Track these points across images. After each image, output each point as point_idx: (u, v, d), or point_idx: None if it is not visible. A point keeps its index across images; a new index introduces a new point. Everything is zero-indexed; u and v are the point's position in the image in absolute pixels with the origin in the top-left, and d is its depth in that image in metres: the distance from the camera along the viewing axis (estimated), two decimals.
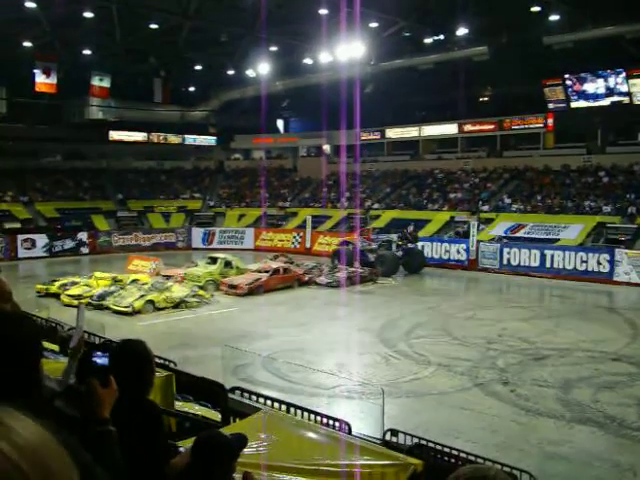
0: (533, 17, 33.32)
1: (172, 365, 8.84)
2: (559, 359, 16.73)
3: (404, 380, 14.86)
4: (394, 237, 33.31)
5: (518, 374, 15.27)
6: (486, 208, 39.24)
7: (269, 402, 7.55)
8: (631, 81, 37.83)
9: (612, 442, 11.44)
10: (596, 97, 39.36)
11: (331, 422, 7.24)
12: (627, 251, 30.02)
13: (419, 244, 34.23)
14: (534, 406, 13.03)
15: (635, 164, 38.16)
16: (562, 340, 18.87)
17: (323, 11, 31.88)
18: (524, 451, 10.93)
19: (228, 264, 29.34)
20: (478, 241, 34.12)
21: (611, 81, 38.68)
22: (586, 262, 30.65)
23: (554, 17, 32.87)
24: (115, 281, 25.56)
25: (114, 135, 50.64)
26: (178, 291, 24.13)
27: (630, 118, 39.04)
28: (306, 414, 7.34)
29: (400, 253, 32.62)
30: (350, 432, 6.96)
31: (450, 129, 48.44)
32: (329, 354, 17.48)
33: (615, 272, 29.74)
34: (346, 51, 36.29)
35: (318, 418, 7.28)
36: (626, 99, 38.27)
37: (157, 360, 6.29)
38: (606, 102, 39.06)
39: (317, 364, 15.69)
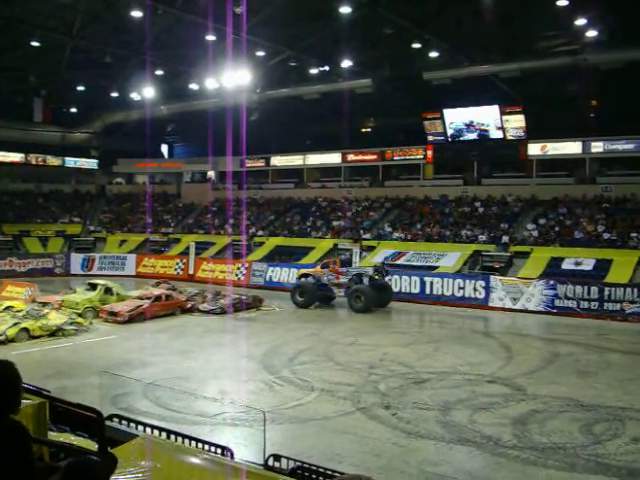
0: (414, 53, 34.64)
1: (45, 392, 8.44)
2: (438, 382, 17.17)
3: (287, 406, 14.82)
4: (370, 270, 31.20)
5: (399, 398, 15.54)
6: (368, 236, 40.08)
7: (149, 430, 7.34)
8: (504, 117, 39.94)
9: (489, 461, 11.81)
10: (472, 131, 41.27)
11: (213, 449, 7.11)
12: (501, 278, 31.38)
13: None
14: (415, 428, 13.29)
15: (508, 195, 40.13)
16: (441, 364, 19.41)
17: (210, 37, 31.88)
18: (405, 473, 11.12)
19: (108, 291, 28.45)
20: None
21: (486, 117, 40.69)
22: (463, 289, 31.79)
23: (434, 54, 34.29)
24: None
25: None
26: (55, 318, 23.13)
27: (503, 152, 41.06)
28: (187, 441, 7.18)
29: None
30: (232, 458, 6.86)
31: (334, 158, 49.37)
32: (212, 382, 17.22)
33: (490, 298, 31.00)
34: (232, 78, 36.43)
35: (200, 445, 7.13)
36: (500, 134, 40.33)
37: (31, 388, 6.01)
38: (481, 136, 41.03)
39: (200, 392, 15.43)
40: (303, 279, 32.14)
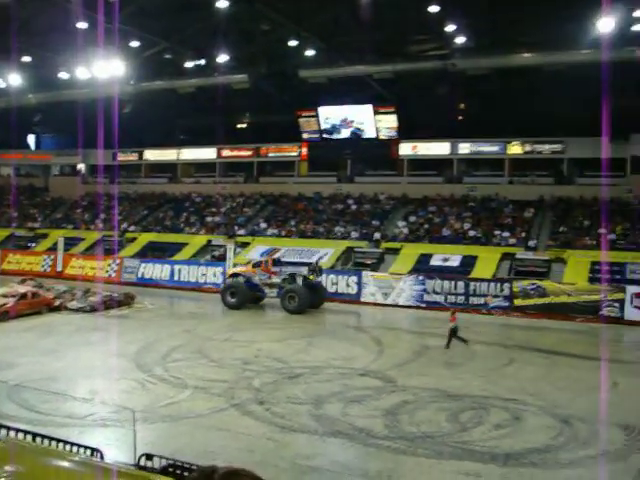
0: (291, 51, 34.75)
1: None
2: (312, 377, 17.39)
3: (160, 405, 14.58)
4: (303, 270, 29.81)
5: (273, 393, 15.63)
6: (242, 232, 40.00)
7: (12, 433, 7.05)
8: (377, 117, 40.94)
9: (361, 452, 12.11)
10: (346, 128, 42.03)
11: (82, 450, 6.92)
12: (373, 274, 32.15)
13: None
14: (288, 423, 13.41)
15: (380, 193, 41.15)
16: (314, 359, 19.67)
17: (82, 25, 30.64)
18: (279, 467, 11.20)
19: None
20: (234, 264, 34.54)
21: (360, 116, 41.53)
22: (336, 284, 32.27)
23: (310, 52, 34.53)
24: None
25: None
26: None
27: (376, 151, 42.10)
28: (54, 443, 6.95)
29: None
30: (103, 459, 6.71)
31: (209, 154, 48.96)
32: (83, 382, 16.65)
33: (362, 293, 31.67)
34: (105, 69, 35.21)
35: (68, 447, 6.92)
36: (373, 133, 41.30)
37: None
38: (355, 135, 41.86)
39: (69, 393, 14.88)
40: (234, 279, 30.67)
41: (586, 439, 12.69)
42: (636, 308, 27.22)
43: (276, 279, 29.87)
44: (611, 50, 26.98)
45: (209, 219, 42.75)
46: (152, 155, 51.16)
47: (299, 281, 29.44)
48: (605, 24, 26.52)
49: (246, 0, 29.27)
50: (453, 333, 21.39)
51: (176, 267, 36.13)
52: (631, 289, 27.56)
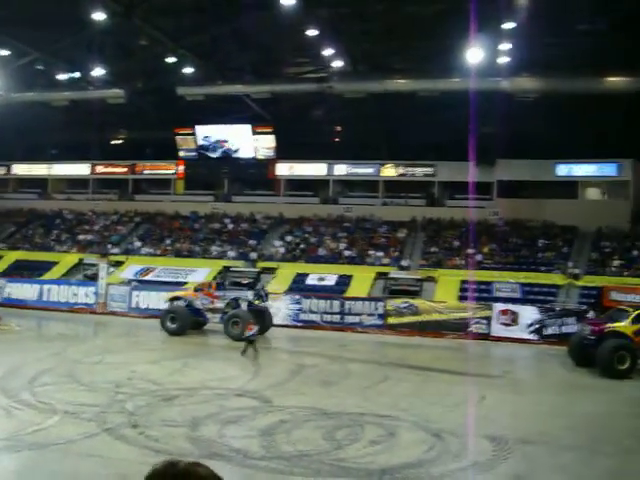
0: (169, 67, 34.37)
1: None
2: (187, 398, 17.05)
3: (27, 432, 13.82)
4: (249, 295, 28.34)
5: (147, 416, 15.20)
6: (116, 251, 39.00)
7: None
8: (255, 137, 41.18)
9: (238, 473, 11.95)
10: (223, 149, 41.97)
11: None
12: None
13: None
14: (164, 446, 13.07)
15: (257, 213, 41.27)
16: (190, 380, 19.33)
17: None
18: None
19: None
20: (108, 284, 33.57)
21: (238, 135, 41.61)
22: None
23: (188, 69, 34.22)
24: None
25: None
26: None
27: (254, 170, 42.30)
28: None
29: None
30: None
31: (82, 169, 47.58)
32: None
33: None
34: None
35: None
36: (251, 153, 41.46)
37: None
38: (232, 154, 41.89)
39: None
40: (175, 302, 28.71)
41: (457, 452, 13.09)
42: (502, 325, 28.59)
43: (219, 303, 28.27)
44: (479, 80, 28.50)
45: (81, 237, 41.39)
46: (21, 169, 49.10)
47: (244, 306, 27.89)
48: (473, 55, 27.88)
49: (124, 15, 28.68)
50: (250, 342, 22.61)
51: (45, 287, 34.64)
52: (497, 306, 28.95)
